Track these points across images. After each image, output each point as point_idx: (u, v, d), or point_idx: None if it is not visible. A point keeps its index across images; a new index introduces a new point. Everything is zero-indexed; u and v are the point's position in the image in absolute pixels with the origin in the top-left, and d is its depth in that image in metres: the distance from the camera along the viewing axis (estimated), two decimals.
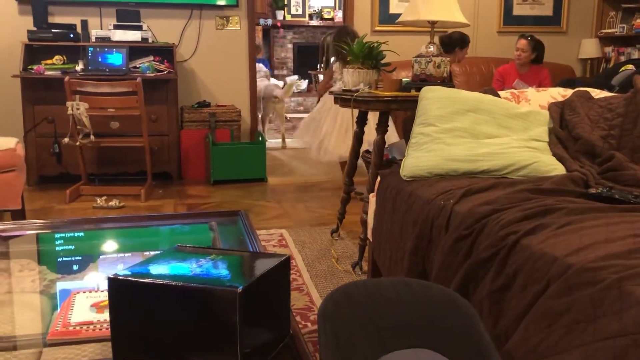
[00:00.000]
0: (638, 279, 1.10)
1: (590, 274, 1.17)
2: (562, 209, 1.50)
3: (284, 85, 7.54)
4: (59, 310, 1.36)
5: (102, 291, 1.33)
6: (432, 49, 2.59)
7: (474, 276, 1.52)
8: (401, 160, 2.18)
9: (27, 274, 1.80)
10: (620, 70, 3.95)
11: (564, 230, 1.38)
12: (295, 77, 7.39)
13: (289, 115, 8.77)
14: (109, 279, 0.95)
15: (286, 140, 6.51)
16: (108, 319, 1.00)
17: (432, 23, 2.63)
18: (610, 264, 1.17)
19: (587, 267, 1.19)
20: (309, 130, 4.28)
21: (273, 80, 6.46)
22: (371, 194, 2.41)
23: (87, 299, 1.27)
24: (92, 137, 3.84)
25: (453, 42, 4.39)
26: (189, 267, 1.00)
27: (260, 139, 4.70)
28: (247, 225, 1.83)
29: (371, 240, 2.34)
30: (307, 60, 9.61)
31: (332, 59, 4.36)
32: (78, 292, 1.32)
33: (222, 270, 0.99)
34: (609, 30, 5.77)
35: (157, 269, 1.00)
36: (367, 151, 3.38)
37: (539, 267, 1.30)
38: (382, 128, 2.63)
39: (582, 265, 1.19)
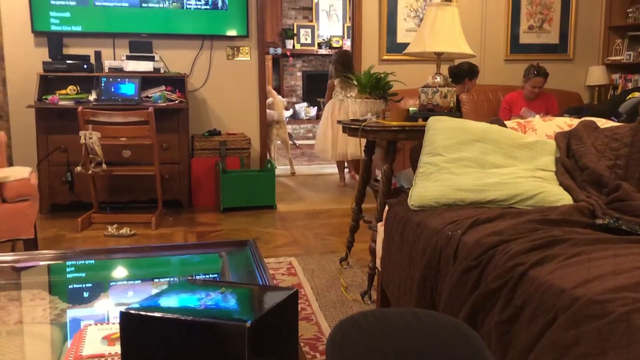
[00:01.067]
0: None
1: (598, 306, 1.17)
2: (569, 240, 1.51)
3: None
4: (69, 341, 1.38)
5: (113, 323, 1.35)
6: (438, 79, 2.63)
7: (482, 307, 1.52)
8: (409, 189, 2.20)
9: (39, 304, 1.82)
10: (628, 97, 3.97)
11: (571, 262, 1.38)
12: (283, 99, 7.21)
13: (298, 142, 8.83)
14: (121, 313, 0.97)
15: (294, 166, 6.57)
16: (119, 351, 1.02)
17: (439, 54, 2.67)
18: (618, 297, 1.18)
19: (595, 299, 1.19)
20: (323, 141, 5.49)
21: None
22: (379, 223, 2.42)
23: (98, 332, 1.29)
24: (104, 165, 3.90)
25: (462, 72, 4.44)
26: (199, 301, 1.02)
27: (269, 166, 4.74)
28: (256, 255, 1.85)
29: (380, 269, 2.35)
30: (316, 87, 9.72)
31: (336, 78, 5.47)
32: (90, 325, 1.34)
33: (232, 304, 1.01)
34: (616, 58, 5.80)
35: (167, 303, 1.02)
36: (375, 179, 3.41)
37: (547, 298, 1.31)
38: (390, 157, 2.66)
39: (589, 298, 1.20)
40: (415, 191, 2.10)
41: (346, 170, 5.87)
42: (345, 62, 5.44)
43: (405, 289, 1.99)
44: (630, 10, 5.70)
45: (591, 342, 1.13)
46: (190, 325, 0.95)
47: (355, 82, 5.20)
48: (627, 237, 1.55)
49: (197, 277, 1.97)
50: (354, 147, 5.08)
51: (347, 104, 5.39)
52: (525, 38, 5.79)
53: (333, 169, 6.51)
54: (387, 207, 2.33)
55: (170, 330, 0.96)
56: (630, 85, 5.51)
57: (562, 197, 1.96)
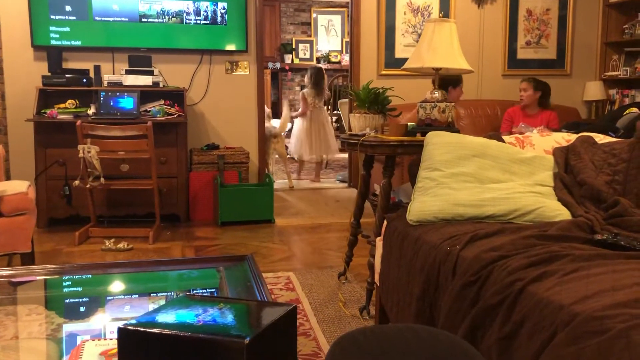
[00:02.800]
0: None
1: (597, 322, 1.17)
2: (568, 256, 1.50)
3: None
4: (66, 356, 1.37)
5: (110, 339, 1.34)
6: (436, 94, 2.64)
7: (481, 323, 1.52)
8: (407, 203, 2.20)
9: (35, 319, 1.81)
10: (625, 113, 3.99)
11: (570, 278, 1.38)
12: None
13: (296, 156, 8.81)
14: (119, 329, 0.96)
15: (292, 180, 6.60)
16: None
17: (437, 69, 2.69)
18: (617, 313, 1.18)
19: (594, 315, 1.19)
20: (298, 146, 6.58)
21: (273, 122, 6.82)
22: (378, 238, 2.42)
23: (96, 347, 1.28)
24: (102, 179, 3.89)
25: (445, 82, 4.44)
26: (198, 317, 1.01)
27: (267, 180, 4.74)
28: (254, 270, 1.84)
29: (378, 284, 2.34)
30: None
31: (307, 89, 6.53)
32: (87, 340, 1.33)
33: (230, 320, 1.00)
34: (613, 73, 5.84)
35: (165, 318, 1.02)
36: (374, 194, 3.41)
37: (546, 315, 1.30)
38: (388, 172, 2.66)
39: (589, 314, 1.20)
40: (414, 206, 2.10)
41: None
42: (319, 76, 6.55)
43: (404, 304, 1.98)
44: (626, 26, 5.75)
45: (591, 359, 1.13)
46: (189, 341, 0.94)
47: (327, 93, 5.98)
48: (626, 252, 1.55)
49: (195, 292, 1.96)
50: (325, 150, 6.62)
51: (317, 112, 6.57)
52: (522, 53, 5.83)
53: (331, 184, 6.52)
54: (385, 222, 2.33)
55: (169, 346, 0.95)
56: (627, 101, 5.54)
57: (560, 213, 1.96)
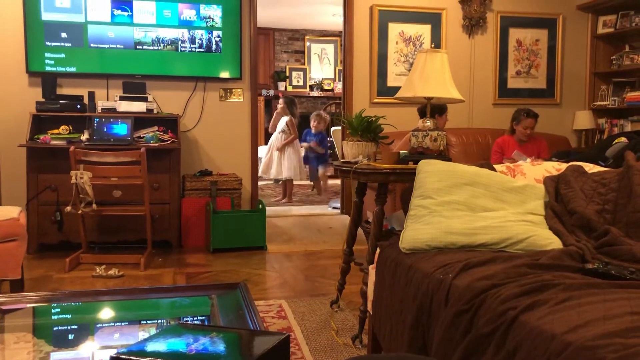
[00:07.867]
0: (637, 359, 1.10)
1: (589, 352, 1.17)
2: (560, 285, 1.51)
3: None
4: None
5: None
6: (428, 123, 2.67)
7: (474, 351, 1.51)
8: (400, 231, 2.20)
9: (23, 347, 1.79)
10: (614, 142, 4.04)
11: (562, 307, 1.39)
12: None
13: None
14: (111, 358, 0.95)
15: (284, 205, 6.88)
16: None
17: (429, 99, 2.72)
18: (609, 343, 1.18)
19: (586, 345, 1.19)
20: (291, 170, 7.09)
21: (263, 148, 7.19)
22: (371, 266, 2.42)
23: None
24: (94, 205, 3.88)
25: (431, 110, 4.50)
26: (189, 346, 1.01)
27: (260, 207, 4.74)
28: (247, 298, 1.83)
29: (371, 312, 2.33)
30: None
31: (288, 117, 7.05)
32: None
33: (222, 350, 1.00)
34: (602, 103, 5.93)
35: (158, 347, 1.01)
36: (366, 221, 3.42)
37: (538, 344, 1.30)
38: (381, 199, 2.67)
39: (581, 344, 1.20)
40: (407, 234, 2.11)
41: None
42: (295, 105, 7.31)
43: (396, 332, 1.97)
44: (614, 57, 5.87)
45: None
46: None
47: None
48: (617, 281, 1.56)
49: (187, 320, 1.95)
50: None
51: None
52: (513, 83, 5.92)
53: (323, 210, 6.53)
54: (378, 250, 2.33)
55: None
56: (616, 130, 5.61)
57: (551, 241, 1.97)
